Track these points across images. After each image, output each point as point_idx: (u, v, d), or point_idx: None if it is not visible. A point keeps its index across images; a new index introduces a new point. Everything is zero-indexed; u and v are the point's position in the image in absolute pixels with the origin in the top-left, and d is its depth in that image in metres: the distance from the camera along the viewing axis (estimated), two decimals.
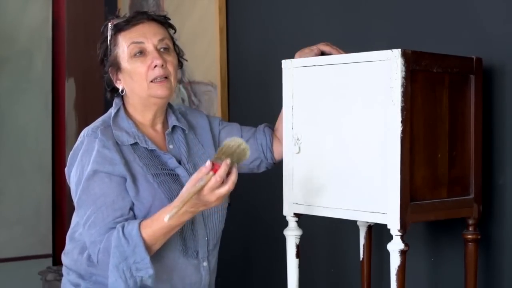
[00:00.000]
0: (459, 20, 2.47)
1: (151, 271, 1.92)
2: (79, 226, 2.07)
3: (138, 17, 2.09)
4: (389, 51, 2.03)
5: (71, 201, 2.15)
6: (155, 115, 2.12)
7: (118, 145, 2.04)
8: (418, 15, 2.60)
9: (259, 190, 3.22)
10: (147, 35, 2.06)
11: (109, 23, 2.11)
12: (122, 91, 2.11)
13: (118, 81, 2.11)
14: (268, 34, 3.27)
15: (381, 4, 2.74)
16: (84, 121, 4.11)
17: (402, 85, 2.01)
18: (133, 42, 2.06)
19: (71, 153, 2.10)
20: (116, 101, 2.13)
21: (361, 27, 2.81)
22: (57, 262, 4.27)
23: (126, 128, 2.07)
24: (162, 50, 2.08)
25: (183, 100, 3.68)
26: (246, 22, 3.41)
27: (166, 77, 2.06)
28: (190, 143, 2.19)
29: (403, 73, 2.01)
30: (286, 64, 2.32)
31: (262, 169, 2.37)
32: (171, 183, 2.06)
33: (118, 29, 2.08)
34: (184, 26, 3.62)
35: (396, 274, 2.02)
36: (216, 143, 2.25)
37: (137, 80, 2.06)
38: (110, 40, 2.09)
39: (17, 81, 4.19)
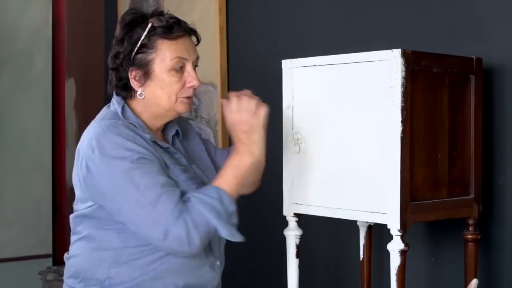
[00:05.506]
0: (459, 20, 2.47)
1: (237, 219, 2.02)
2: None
3: (181, 27, 2.04)
4: (389, 51, 2.03)
5: (71, 201, 2.14)
6: (164, 123, 2.12)
7: (145, 140, 2.01)
8: (418, 15, 2.60)
9: (259, 190, 3.22)
10: (190, 52, 2.04)
11: (148, 24, 2.01)
12: (142, 94, 2.04)
13: (137, 83, 2.03)
14: (268, 34, 3.27)
15: (381, 4, 2.74)
16: (84, 121, 4.11)
17: (402, 85, 2.01)
18: (179, 57, 2.01)
19: (83, 155, 1.99)
20: (118, 99, 2.05)
21: (361, 27, 2.81)
22: (57, 262, 4.27)
23: (139, 125, 2.03)
24: (195, 67, 2.07)
25: None
26: (246, 22, 3.41)
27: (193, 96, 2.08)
28: (186, 148, 2.19)
29: (403, 73, 2.01)
30: (286, 64, 2.32)
31: None
32: (197, 178, 2.08)
33: (158, 34, 2.01)
34: None
35: (396, 274, 2.02)
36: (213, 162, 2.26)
37: (167, 93, 2.02)
38: (145, 40, 2.01)
39: (17, 81, 4.19)
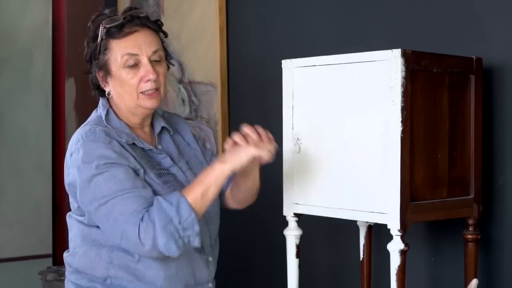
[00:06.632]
0: (459, 20, 2.47)
1: (197, 228, 1.91)
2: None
3: (133, 23, 2.04)
4: (389, 51, 2.03)
5: None
6: (143, 120, 2.12)
7: (121, 144, 2.03)
8: (418, 15, 2.60)
9: (259, 190, 3.22)
10: (142, 46, 2.03)
11: (101, 26, 2.06)
12: (109, 94, 2.09)
13: (105, 84, 2.09)
14: (268, 34, 3.27)
15: (381, 4, 2.74)
16: (84, 121, 4.11)
17: (402, 85, 2.01)
18: (128, 54, 2.03)
19: (67, 161, 2.06)
20: (103, 102, 2.11)
21: (361, 27, 2.81)
22: (57, 262, 4.27)
23: (120, 129, 2.06)
24: (154, 61, 2.06)
25: (183, 100, 3.68)
26: (246, 22, 3.41)
27: (156, 89, 2.06)
28: (177, 143, 2.19)
29: (403, 73, 2.01)
30: (286, 64, 2.32)
31: None
32: (173, 181, 2.07)
33: (110, 35, 2.05)
34: (184, 26, 3.62)
35: (396, 274, 2.03)
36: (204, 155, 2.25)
37: (127, 90, 2.04)
38: (101, 42, 2.06)
39: (17, 81, 4.19)
